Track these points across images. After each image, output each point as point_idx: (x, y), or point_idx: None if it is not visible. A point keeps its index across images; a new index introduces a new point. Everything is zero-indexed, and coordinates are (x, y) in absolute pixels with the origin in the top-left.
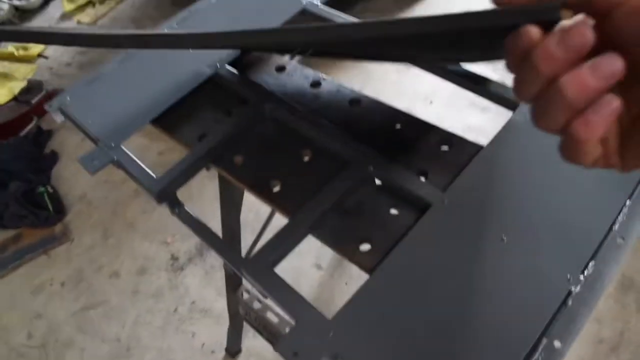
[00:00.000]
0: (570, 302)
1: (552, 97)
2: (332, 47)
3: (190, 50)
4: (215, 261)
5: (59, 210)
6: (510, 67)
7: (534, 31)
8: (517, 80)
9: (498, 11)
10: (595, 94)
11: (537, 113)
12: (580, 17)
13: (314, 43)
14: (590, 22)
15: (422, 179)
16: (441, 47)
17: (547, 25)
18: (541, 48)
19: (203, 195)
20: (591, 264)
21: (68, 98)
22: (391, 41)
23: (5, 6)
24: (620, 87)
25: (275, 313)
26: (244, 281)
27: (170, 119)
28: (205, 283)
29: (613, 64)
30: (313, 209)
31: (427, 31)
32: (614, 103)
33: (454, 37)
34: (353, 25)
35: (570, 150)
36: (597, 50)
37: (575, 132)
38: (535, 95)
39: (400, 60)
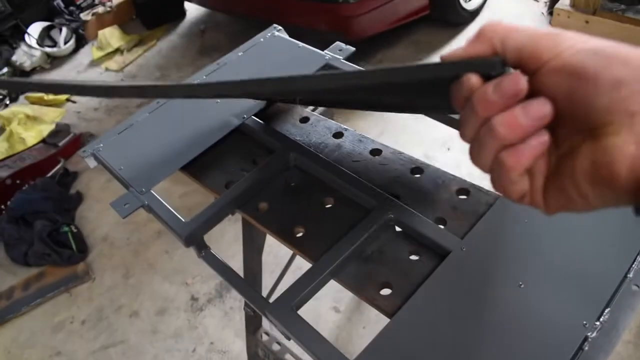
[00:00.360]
0: (586, 348)
1: (487, 133)
2: (307, 94)
3: (218, 101)
4: (234, 303)
5: (82, 249)
6: (458, 111)
7: (474, 78)
8: (460, 122)
9: (446, 63)
10: (525, 133)
11: (473, 150)
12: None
13: (286, 92)
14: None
15: (441, 226)
16: (408, 95)
17: (488, 78)
18: (479, 92)
19: (223, 237)
20: (607, 310)
21: (101, 145)
22: (360, 89)
23: (38, 53)
24: (549, 133)
25: (294, 355)
26: (264, 323)
27: (198, 167)
28: (224, 324)
29: (542, 107)
30: (335, 254)
31: (385, 81)
32: (542, 136)
33: (414, 86)
34: (325, 75)
35: (498, 178)
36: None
37: (503, 159)
38: (474, 135)
39: (380, 109)
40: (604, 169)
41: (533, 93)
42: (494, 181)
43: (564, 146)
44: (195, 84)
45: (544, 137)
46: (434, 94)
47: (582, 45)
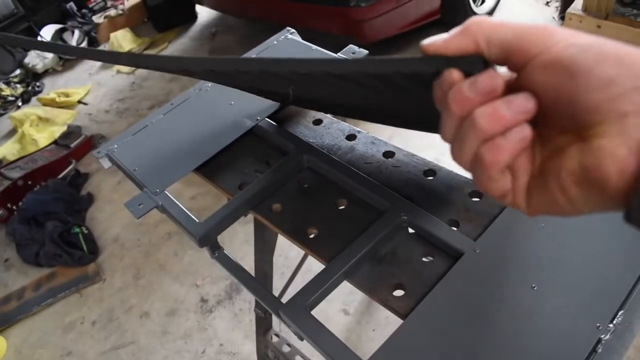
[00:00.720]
0: (600, 350)
1: (468, 127)
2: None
3: (232, 103)
4: (243, 304)
5: (93, 250)
6: (439, 109)
7: (455, 73)
8: (442, 122)
9: (426, 58)
10: (506, 126)
11: (455, 147)
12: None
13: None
14: (512, 74)
15: (454, 228)
16: (393, 95)
17: (469, 76)
18: (454, 90)
19: (234, 239)
20: (620, 313)
21: (115, 146)
22: (338, 81)
23: (50, 55)
24: (535, 131)
25: (304, 357)
26: (274, 325)
27: (212, 168)
28: (234, 326)
29: (526, 102)
30: (349, 256)
31: (365, 70)
32: (524, 131)
33: (393, 81)
34: (303, 59)
35: (478, 175)
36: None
37: (482, 155)
38: (453, 134)
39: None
40: (593, 172)
41: (520, 90)
42: (474, 178)
43: (550, 146)
44: (186, 57)
45: (525, 132)
46: (418, 96)
47: (573, 39)
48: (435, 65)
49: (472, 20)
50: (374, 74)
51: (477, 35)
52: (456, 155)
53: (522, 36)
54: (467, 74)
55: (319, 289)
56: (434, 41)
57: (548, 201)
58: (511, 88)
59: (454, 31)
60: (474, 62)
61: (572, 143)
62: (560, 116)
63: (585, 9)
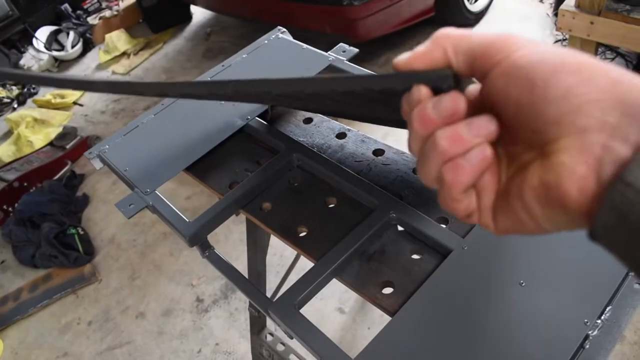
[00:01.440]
0: (587, 346)
1: (430, 147)
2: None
3: (222, 103)
4: (239, 304)
5: (89, 251)
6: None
7: (423, 90)
8: (408, 136)
9: (396, 75)
10: (468, 148)
11: (419, 163)
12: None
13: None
14: (478, 88)
15: (443, 225)
16: (366, 105)
17: (438, 91)
18: (419, 108)
19: (229, 238)
20: (608, 308)
21: (107, 146)
22: (311, 96)
23: (45, 57)
24: (501, 148)
25: (298, 356)
26: (268, 324)
27: (202, 167)
28: (229, 325)
29: (487, 123)
30: (338, 254)
31: (335, 88)
32: (484, 151)
33: (368, 95)
34: (286, 80)
35: (441, 195)
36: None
37: (444, 175)
38: (418, 150)
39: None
40: (553, 190)
41: (485, 102)
42: (439, 197)
43: (516, 164)
44: (161, 82)
45: (486, 152)
46: (391, 106)
47: (532, 48)
48: (406, 80)
49: (440, 31)
50: (345, 92)
51: (444, 45)
52: (421, 172)
53: (487, 43)
54: (437, 90)
55: (307, 287)
56: (405, 56)
57: (513, 220)
58: (477, 102)
59: (423, 44)
60: (444, 77)
61: (535, 159)
62: (524, 130)
63: (578, 5)
